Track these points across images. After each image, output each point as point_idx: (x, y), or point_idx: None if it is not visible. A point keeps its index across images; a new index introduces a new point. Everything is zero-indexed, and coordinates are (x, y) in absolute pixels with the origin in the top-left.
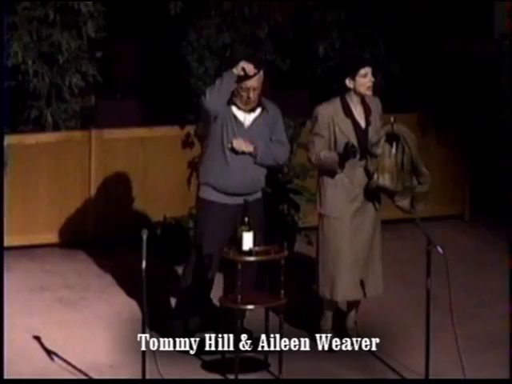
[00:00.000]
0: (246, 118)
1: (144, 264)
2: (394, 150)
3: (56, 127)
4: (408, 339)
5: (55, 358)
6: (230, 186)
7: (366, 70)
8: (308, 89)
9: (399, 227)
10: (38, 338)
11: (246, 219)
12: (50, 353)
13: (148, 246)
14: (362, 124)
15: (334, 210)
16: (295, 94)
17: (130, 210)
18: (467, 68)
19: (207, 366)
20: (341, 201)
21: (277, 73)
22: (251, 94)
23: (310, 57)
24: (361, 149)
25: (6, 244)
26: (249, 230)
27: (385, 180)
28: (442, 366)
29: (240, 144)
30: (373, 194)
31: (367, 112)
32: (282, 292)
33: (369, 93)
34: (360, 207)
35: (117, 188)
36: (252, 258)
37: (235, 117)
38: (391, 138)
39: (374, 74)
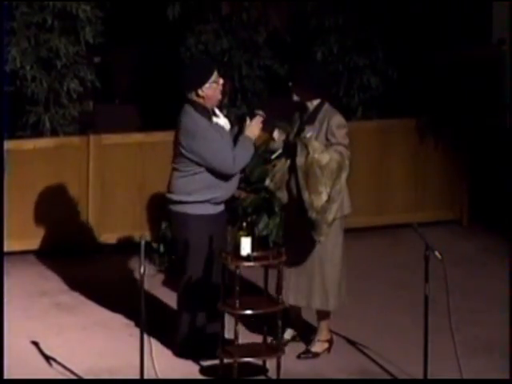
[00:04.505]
0: (224, 122)
1: (142, 269)
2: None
3: (54, 132)
4: (406, 343)
5: (53, 363)
6: (230, 192)
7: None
8: None
9: (397, 232)
10: (36, 344)
11: (244, 224)
12: (48, 358)
13: (146, 251)
14: (295, 128)
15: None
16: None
17: (128, 215)
18: (466, 73)
19: (205, 371)
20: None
21: (275, 78)
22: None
23: (307, 62)
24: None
25: (4, 249)
26: (247, 235)
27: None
28: (439, 370)
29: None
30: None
31: (307, 121)
32: (281, 297)
33: None
34: None
35: (115, 193)
36: (250, 264)
37: (221, 126)
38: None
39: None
